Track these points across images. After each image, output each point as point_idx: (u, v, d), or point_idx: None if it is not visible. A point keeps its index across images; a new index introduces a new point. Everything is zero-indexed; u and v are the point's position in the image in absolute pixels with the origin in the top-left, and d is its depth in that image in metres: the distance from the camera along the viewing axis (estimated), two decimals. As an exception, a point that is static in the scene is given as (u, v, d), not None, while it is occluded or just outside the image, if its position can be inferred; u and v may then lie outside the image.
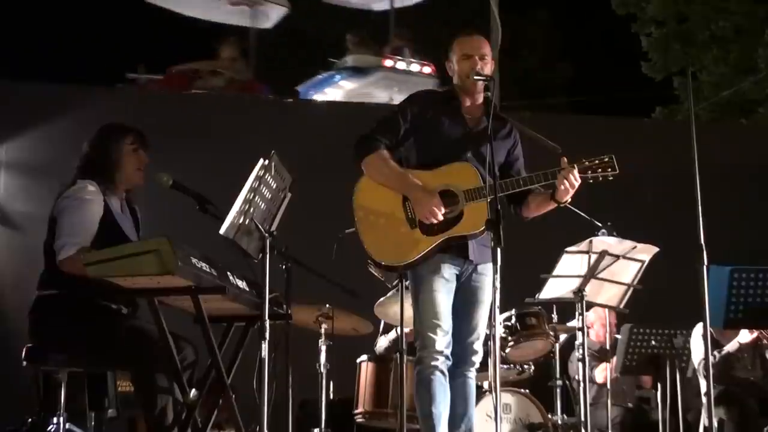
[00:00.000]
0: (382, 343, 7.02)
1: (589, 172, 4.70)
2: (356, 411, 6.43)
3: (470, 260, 4.72)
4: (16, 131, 8.24)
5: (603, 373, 6.94)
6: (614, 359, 6.72)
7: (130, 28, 23.77)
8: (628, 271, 5.72)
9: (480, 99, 4.83)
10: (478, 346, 4.79)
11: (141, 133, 4.88)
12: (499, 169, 4.63)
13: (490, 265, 4.42)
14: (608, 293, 5.83)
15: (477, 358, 4.80)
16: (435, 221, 4.62)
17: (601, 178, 4.71)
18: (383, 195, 4.74)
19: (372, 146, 4.76)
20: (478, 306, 4.77)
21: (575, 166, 4.66)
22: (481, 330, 4.79)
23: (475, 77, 4.68)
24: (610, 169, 4.71)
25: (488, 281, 4.71)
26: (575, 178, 4.63)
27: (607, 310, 6.74)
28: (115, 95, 8.81)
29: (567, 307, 6.20)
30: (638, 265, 5.69)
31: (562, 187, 4.62)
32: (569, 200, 4.74)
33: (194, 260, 4.01)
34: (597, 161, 4.72)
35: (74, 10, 23.06)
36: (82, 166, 4.75)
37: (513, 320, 6.51)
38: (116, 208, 4.73)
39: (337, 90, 12.59)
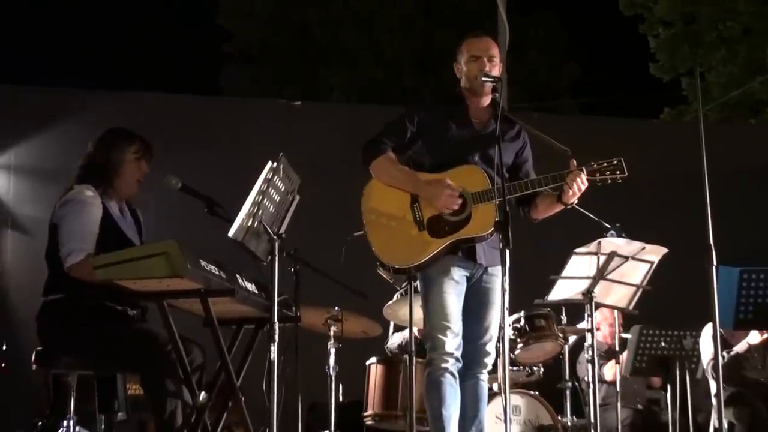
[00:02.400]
0: (395, 339, 6.99)
1: (598, 174, 4.70)
2: (366, 413, 6.43)
3: (479, 263, 4.72)
4: (25, 135, 8.27)
5: (612, 370, 6.93)
6: (623, 356, 6.70)
7: (135, 34, 23.85)
8: (637, 273, 5.71)
9: (488, 101, 4.84)
10: (491, 347, 4.78)
11: (147, 143, 4.84)
12: (508, 171, 4.63)
13: (500, 267, 4.42)
14: (617, 294, 5.81)
15: (489, 360, 4.79)
16: (456, 207, 4.61)
17: (609, 181, 4.71)
18: (391, 198, 4.74)
19: (379, 149, 4.76)
20: (489, 307, 4.76)
21: (584, 168, 4.66)
22: (493, 331, 4.77)
23: (483, 79, 4.67)
24: (618, 172, 4.70)
25: (499, 282, 4.68)
26: (583, 181, 4.62)
27: (613, 309, 6.73)
28: (124, 99, 8.81)
29: (576, 309, 6.19)
30: (647, 266, 5.68)
31: (570, 190, 4.62)
32: (576, 202, 4.74)
33: (203, 263, 4.01)
34: (606, 164, 4.71)
35: (83, 15, 23.14)
36: (83, 167, 4.72)
37: (522, 322, 6.50)
38: (115, 211, 4.70)
39: None
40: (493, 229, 4.49)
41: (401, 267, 4.75)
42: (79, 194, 4.59)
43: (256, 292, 4.47)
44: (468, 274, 4.74)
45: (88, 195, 4.59)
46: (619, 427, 6.25)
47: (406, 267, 4.73)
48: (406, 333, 6.71)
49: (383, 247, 4.70)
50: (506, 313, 4.13)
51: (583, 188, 4.64)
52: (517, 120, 4.98)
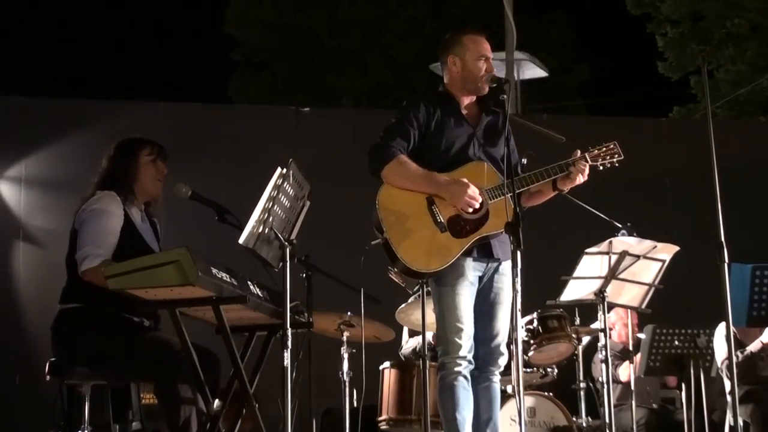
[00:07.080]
0: (411, 343, 6.98)
1: (599, 159, 4.81)
2: (380, 418, 6.43)
3: (495, 258, 4.68)
4: (36, 147, 8.28)
5: (627, 371, 6.91)
6: (638, 357, 6.68)
7: (144, 44, 23.92)
8: (649, 271, 5.70)
9: (475, 97, 4.86)
10: (503, 348, 4.76)
11: (159, 144, 4.90)
12: (503, 162, 4.64)
13: (509, 265, 4.41)
14: (630, 294, 5.81)
15: (502, 361, 4.75)
16: (477, 206, 4.58)
17: (609, 165, 4.83)
18: (407, 203, 4.62)
19: (388, 154, 4.65)
20: (500, 307, 4.74)
21: (586, 155, 4.75)
22: (504, 331, 4.76)
23: (492, 84, 4.70)
24: (616, 155, 4.85)
25: (509, 282, 4.67)
26: (586, 168, 4.72)
27: (628, 310, 6.72)
28: (134, 109, 8.83)
29: (589, 309, 6.18)
30: (659, 264, 5.67)
31: (574, 176, 4.70)
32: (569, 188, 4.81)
33: (214, 270, 4.02)
34: (604, 148, 4.84)
35: (93, 27, 23.22)
36: (101, 179, 4.77)
37: (535, 323, 6.49)
38: (137, 219, 4.75)
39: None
40: (509, 225, 4.47)
41: (429, 271, 4.62)
42: (100, 200, 4.63)
43: (268, 298, 4.48)
44: (480, 274, 4.71)
45: (109, 201, 4.64)
46: (635, 427, 6.23)
47: (434, 271, 4.61)
48: (420, 338, 6.73)
49: (411, 255, 4.57)
50: (519, 314, 4.12)
51: (586, 175, 4.75)
52: (499, 110, 4.91)
